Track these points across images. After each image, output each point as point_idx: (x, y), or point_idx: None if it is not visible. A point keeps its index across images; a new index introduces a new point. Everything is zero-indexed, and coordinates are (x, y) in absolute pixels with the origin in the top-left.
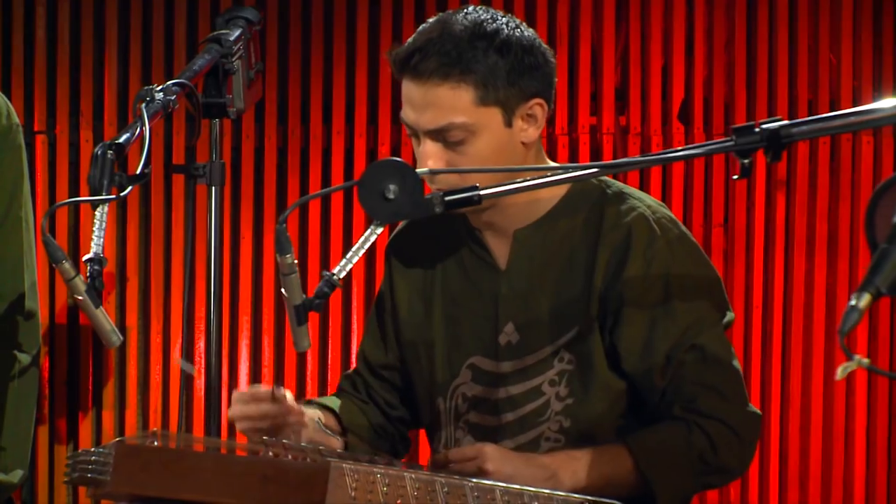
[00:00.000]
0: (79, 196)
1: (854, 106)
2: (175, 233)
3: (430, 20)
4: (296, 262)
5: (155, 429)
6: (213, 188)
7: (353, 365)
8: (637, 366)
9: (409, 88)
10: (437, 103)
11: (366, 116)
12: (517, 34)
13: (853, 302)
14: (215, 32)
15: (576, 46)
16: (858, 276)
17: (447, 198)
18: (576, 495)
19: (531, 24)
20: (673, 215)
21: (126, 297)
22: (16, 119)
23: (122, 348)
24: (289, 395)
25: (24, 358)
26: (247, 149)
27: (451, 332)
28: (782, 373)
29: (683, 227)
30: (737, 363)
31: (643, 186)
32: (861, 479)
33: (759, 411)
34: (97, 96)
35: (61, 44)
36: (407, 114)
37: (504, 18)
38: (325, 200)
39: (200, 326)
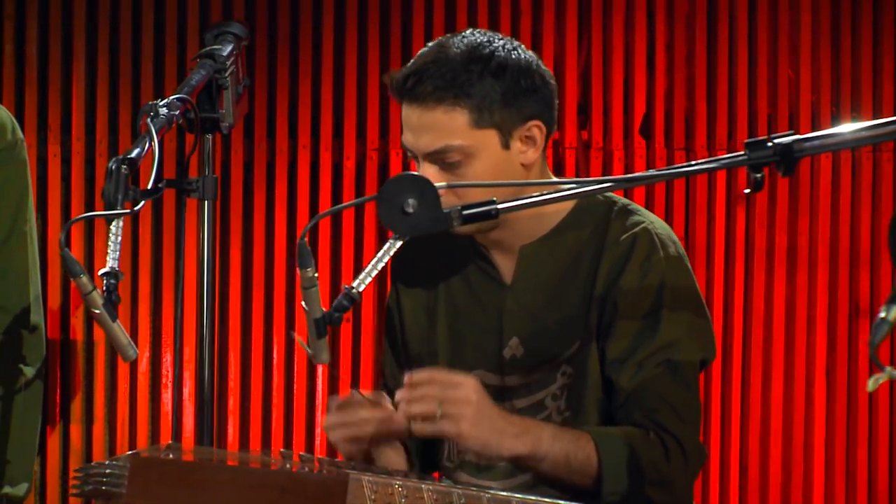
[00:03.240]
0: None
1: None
2: (142, 246)
3: (429, 44)
4: (316, 275)
5: (170, 441)
6: (206, 202)
7: (320, 374)
8: (614, 369)
9: (406, 112)
10: (433, 126)
11: (331, 130)
12: (514, 57)
13: (883, 314)
14: (207, 48)
15: None
16: (817, 289)
17: (465, 212)
18: None
19: None
20: (676, 237)
21: None
22: (20, 134)
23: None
24: (387, 401)
25: (29, 371)
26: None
27: (455, 345)
28: (742, 384)
29: (683, 251)
30: (699, 399)
31: None
32: (820, 488)
33: (705, 450)
34: (65, 111)
35: (29, 59)
36: (406, 137)
37: (501, 41)
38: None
39: (168, 341)
